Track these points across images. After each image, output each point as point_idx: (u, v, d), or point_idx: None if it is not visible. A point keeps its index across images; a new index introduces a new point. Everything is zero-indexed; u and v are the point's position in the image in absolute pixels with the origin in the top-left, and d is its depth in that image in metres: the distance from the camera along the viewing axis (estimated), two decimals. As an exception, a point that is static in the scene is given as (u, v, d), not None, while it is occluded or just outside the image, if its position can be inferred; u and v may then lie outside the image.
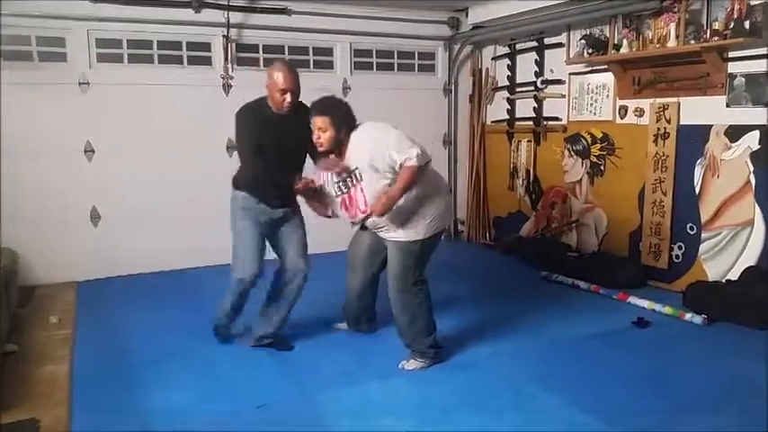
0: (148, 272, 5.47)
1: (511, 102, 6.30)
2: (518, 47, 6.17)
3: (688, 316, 4.07)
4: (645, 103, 4.93)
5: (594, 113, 5.38)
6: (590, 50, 5.17)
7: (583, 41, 5.20)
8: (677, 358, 3.54)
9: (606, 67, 5.13)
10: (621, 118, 5.14)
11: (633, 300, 4.42)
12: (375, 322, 3.94)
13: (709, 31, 4.25)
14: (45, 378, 3.34)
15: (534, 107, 5.99)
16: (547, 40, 5.82)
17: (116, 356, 3.64)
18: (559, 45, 5.67)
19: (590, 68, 5.37)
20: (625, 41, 4.84)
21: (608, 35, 5.11)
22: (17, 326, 4.11)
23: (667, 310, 4.20)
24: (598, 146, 5.36)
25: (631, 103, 5.05)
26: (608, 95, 5.25)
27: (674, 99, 4.69)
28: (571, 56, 5.48)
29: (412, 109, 6.22)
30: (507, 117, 6.34)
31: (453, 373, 3.37)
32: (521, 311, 4.37)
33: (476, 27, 6.39)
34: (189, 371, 3.44)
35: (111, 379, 3.32)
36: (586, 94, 5.45)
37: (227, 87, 5.70)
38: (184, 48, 5.55)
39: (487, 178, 6.69)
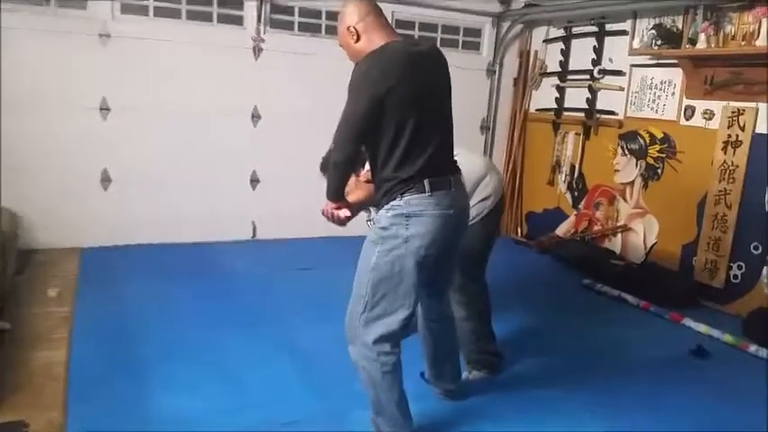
0: (158, 243, 5.09)
1: (560, 89, 5.83)
2: (574, 30, 5.67)
3: (752, 348, 3.66)
4: (716, 106, 4.46)
5: (656, 111, 4.91)
6: (659, 42, 4.70)
7: (653, 32, 4.72)
8: (742, 399, 3.13)
9: (676, 62, 4.66)
10: (687, 119, 4.67)
11: (688, 322, 4.02)
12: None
13: (806, 31, 3.79)
14: (39, 366, 2.97)
15: (588, 98, 5.50)
16: (608, 26, 5.32)
17: (120, 344, 3.27)
18: (623, 33, 5.17)
19: (655, 62, 4.89)
20: (702, 36, 4.36)
21: (680, 27, 4.64)
22: (13, 297, 3.75)
23: (727, 338, 3.79)
24: (657, 147, 4.90)
25: (700, 105, 4.57)
26: (673, 93, 4.77)
27: (752, 104, 4.22)
28: (635, 45, 5.00)
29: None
30: (555, 106, 5.87)
31: (493, 391, 3.02)
32: (564, 324, 3.99)
33: (529, 5, 5.89)
34: (201, 368, 3.08)
35: (114, 374, 2.95)
36: (648, 90, 4.97)
37: (257, 51, 5.26)
38: (215, 4, 5.08)
39: (525, 170, 6.25)
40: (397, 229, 2.25)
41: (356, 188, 2.75)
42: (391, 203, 2.27)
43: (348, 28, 2.35)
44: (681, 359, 3.57)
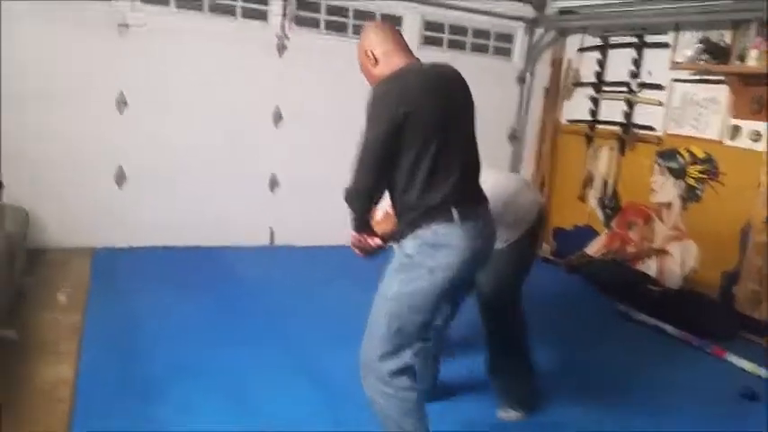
0: (175, 246, 4.86)
1: (595, 101, 5.58)
2: (612, 40, 5.43)
3: (803, 392, 3.43)
4: (764, 127, 4.23)
5: (698, 129, 4.67)
6: (705, 57, 4.46)
7: (700, 45, 4.48)
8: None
9: (721, 78, 4.43)
10: (732, 139, 4.44)
11: (731, 358, 3.78)
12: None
13: None
14: (45, 383, 2.77)
15: (625, 111, 5.26)
16: (648, 38, 5.08)
17: (132, 362, 3.06)
18: (664, 45, 4.93)
19: (699, 77, 4.65)
20: (754, 52, 4.13)
21: (728, 42, 4.40)
22: (21, 300, 3.55)
23: (775, 379, 3.56)
24: (698, 167, 4.66)
25: (747, 125, 4.34)
26: (717, 111, 4.54)
27: (805, 127, 4.00)
28: (677, 59, 4.76)
29: (479, 95, 5.42)
30: (589, 118, 5.62)
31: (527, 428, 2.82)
32: (600, 357, 3.73)
33: (564, 12, 5.66)
34: (217, 391, 2.88)
35: (125, 397, 2.74)
36: (690, 106, 4.74)
37: (281, 49, 5.04)
38: (239, -3, 4.88)
39: (555, 184, 6.01)
40: (422, 258, 2.10)
41: (385, 219, 2.54)
42: (417, 231, 2.11)
43: (366, 52, 2.27)
44: (729, 400, 3.34)
